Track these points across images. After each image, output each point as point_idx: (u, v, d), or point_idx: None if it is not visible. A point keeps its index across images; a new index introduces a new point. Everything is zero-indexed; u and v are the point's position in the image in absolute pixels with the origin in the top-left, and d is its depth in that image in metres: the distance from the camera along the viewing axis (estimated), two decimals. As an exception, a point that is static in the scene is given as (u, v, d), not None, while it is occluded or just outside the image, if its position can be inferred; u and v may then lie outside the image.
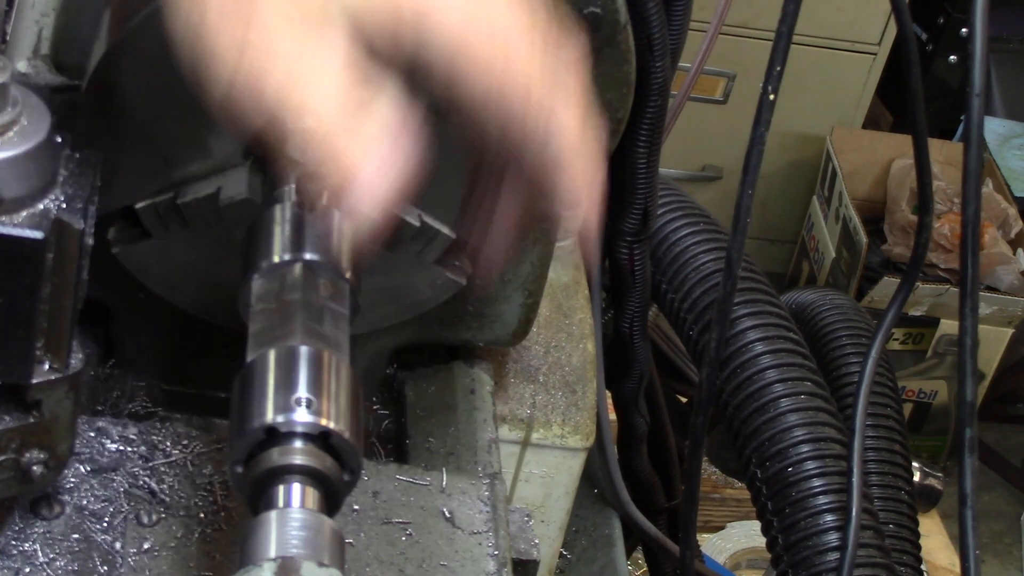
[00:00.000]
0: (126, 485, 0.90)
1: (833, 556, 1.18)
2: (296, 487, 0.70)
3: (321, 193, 0.66)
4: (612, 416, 1.48)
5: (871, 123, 3.80)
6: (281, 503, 0.70)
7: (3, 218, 0.68)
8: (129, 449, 0.92)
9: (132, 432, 0.93)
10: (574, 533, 1.43)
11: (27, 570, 0.84)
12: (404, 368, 1.14)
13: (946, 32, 3.69)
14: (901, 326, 3.30)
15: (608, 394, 1.43)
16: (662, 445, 1.61)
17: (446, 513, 0.97)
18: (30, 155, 0.68)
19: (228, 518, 0.90)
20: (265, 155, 0.87)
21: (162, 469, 0.92)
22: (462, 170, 0.90)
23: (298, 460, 0.70)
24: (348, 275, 0.79)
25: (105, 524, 0.88)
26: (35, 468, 0.80)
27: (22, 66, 0.90)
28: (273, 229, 0.79)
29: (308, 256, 0.78)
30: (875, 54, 3.58)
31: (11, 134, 0.69)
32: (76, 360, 0.77)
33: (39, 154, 0.69)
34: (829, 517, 1.19)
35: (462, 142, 0.89)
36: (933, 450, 3.53)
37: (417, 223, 0.91)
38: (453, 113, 0.64)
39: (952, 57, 3.71)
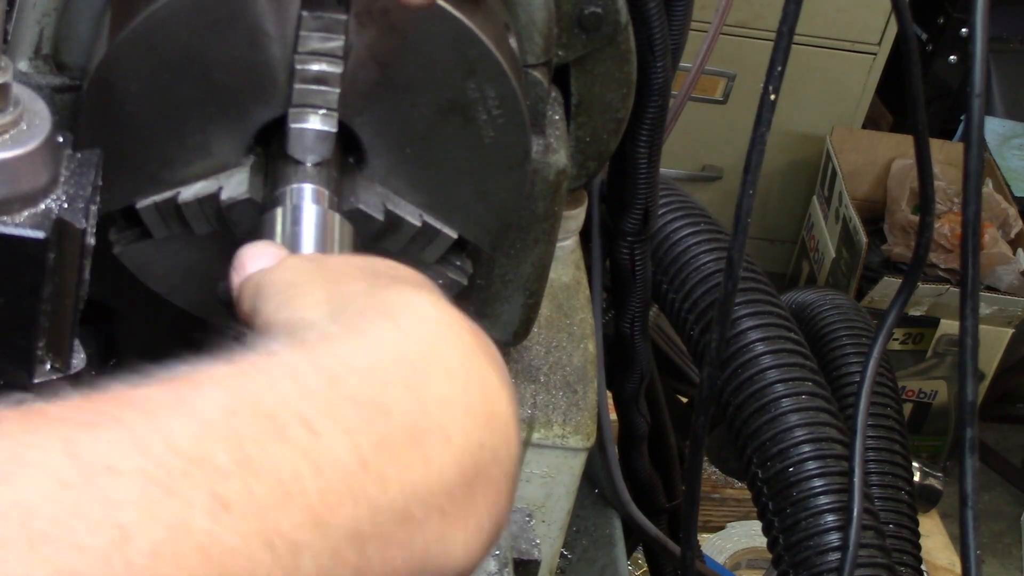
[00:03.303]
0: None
1: (834, 556, 1.18)
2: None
3: None
4: (613, 416, 1.48)
5: (871, 123, 3.80)
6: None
7: (4, 218, 0.68)
8: (130, 449, 0.92)
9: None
10: (575, 533, 1.43)
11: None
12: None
13: (946, 32, 3.69)
14: (901, 326, 3.30)
15: (609, 394, 1.43)
16: (663, 445, 1.61)
17: (447, 513, 0.96)
18: (32, 155, 0.68)
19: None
20: (267, 155, 0.87)
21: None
22: (464, 170, 0.91)
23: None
24: (349, 275, 0.79)
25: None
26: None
27: (23, 66, 0.90)
28: (275, 229, 0.79)
29: (309, 256, 0.78)
30: (875, 54, 3.58)
31: (12, 134, 0.68)
32: (78, 360, 0.77)
33: (41, 154, 0.69)
34: (830, 517, 1.19)
35: (464, 143, 0.90)
36: (933, 450, 3.53)
37: (418, 223, 0.91)
38: None
39: (952, 57, 3.71)
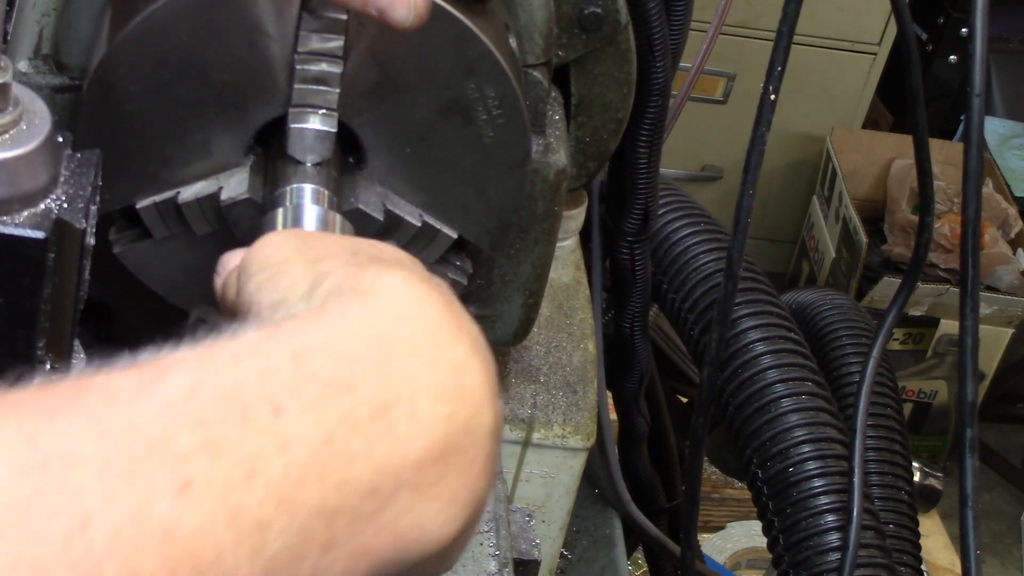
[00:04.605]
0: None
1: (834, 556, 1.18)
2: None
3: None
4: (613, 416, 1.48)
5: (871, 123, 3.80)
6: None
7: (4, 218, 0.68)
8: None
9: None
10: (575, 533, 1.43)
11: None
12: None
13: (946, 32, 3.69)
14: (901, 326, 3.30)
15: (609, 394, 1.43)
16: (663, 445, 1.61)
17: (447, 513, 0.96)
18: (31, 155, 0.68)
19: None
20: (267, 155, 0.87)
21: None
22: (464, 170, 0.91)
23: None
24: (349, 275, 0.79)
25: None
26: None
27: (23, 66, 0.90)
28: (275, 230, 0.79)
29: (309, 256, 0.78)
30: (875, 54, 3.58)
31: (12, 134, 0.68)
32: (77, 360, 0.77)
33: (40, 154, 0.69)
34: (830, 517, 1.19)
35: (464, 143, 0.90)
36: (933, 450, 3.53)
37: (418, 223, 0.91)
38: None
39: (952, 57, 3.71)
